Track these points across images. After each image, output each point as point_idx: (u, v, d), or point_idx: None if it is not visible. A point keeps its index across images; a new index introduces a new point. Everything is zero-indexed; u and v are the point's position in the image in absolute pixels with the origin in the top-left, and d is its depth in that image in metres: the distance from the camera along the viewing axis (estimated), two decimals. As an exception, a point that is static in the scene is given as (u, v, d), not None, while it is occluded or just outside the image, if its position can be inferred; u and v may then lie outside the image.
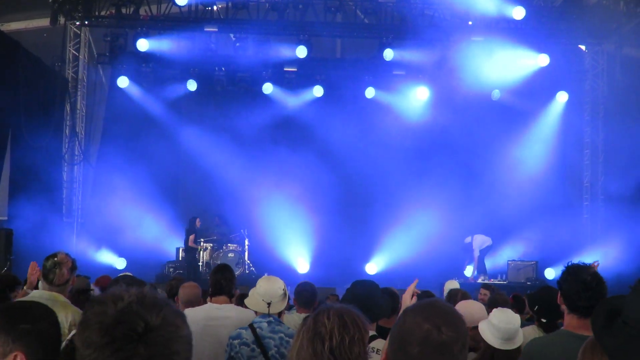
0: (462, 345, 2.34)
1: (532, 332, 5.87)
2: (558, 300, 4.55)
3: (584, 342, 3.45)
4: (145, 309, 1.85)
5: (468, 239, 18.75)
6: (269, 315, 5.50)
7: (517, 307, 8.08)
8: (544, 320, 5.95)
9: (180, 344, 1.89)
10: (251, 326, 5.44)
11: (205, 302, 6.37)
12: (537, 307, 6.11)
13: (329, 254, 19.51)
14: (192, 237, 17.80)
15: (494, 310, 5.10)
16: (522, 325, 6.82)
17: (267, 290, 5.58)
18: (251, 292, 5.66)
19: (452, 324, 2.34)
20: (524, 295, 8.71)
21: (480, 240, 18.67)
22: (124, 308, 1.84)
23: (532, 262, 18.57)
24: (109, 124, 20.51)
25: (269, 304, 5.51)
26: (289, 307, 8.20)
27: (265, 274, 18.37)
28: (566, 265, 4.49)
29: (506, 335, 4.90)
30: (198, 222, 18.14)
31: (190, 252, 17.90)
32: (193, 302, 6.61)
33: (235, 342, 5.36)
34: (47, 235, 17.17)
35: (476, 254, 18.56)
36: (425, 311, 2.38)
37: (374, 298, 5.03)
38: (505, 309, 5.22)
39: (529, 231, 18.67)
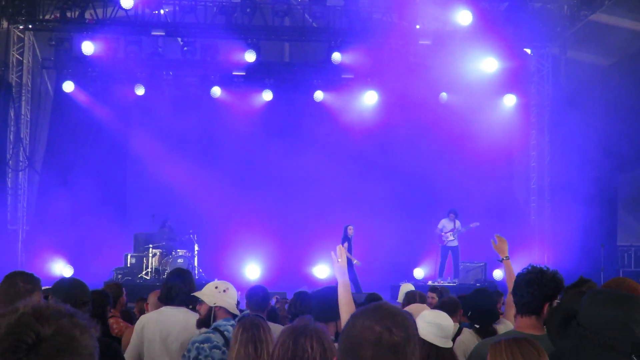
0: (414, 346, 2.35)
1: (470, 337, 5.88)
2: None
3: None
4: (38, 319, 1.82)
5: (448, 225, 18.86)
6: (231, 318, 5.48)
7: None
8: (477, 326, 5.96)
9: (76, 355, 1.85)
10: (218, 329, 5.38)
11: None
12: (470, 312, 6.14)
13: (279, 259, 19.46)
14: (345, 245, 17.55)
15: (426, 311, 5.12)
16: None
17: (235, 292, 5.69)
18: (219, 296, 5.59)
19: (402, 325, 2.34)
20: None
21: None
22: (16, 320, 1.82)
23: (481, 264, 18.73)
24: (55, 130, 20.15)
25: (225, 290, 5.55)
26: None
27: (216, 279, 18.32)
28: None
29: (446, 333, 4.92)
30: (350, 230, 17.82)
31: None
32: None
33: (205, 345, 5.24)
34: (-9, 242, 16.88)
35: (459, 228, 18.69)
36: (374, 314, 2.37)
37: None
38: (436, 310, 5.27)
39: (477, 232, 18.82)
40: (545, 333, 4.18)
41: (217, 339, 5.28)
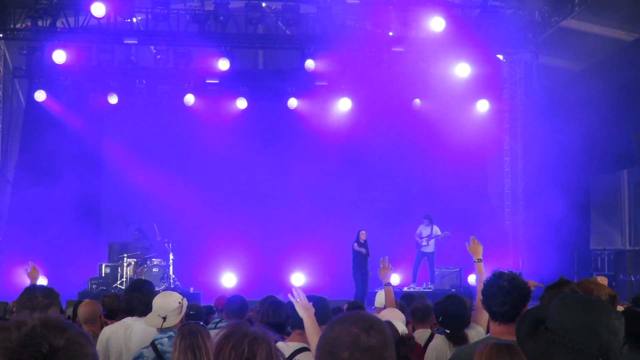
0: (392, 352, 2.41)
1: (442, 343, 5.91)
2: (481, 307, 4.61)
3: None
4: (49, 331, 1.89)
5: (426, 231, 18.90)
6: (170, 329, 5.50)
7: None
8: (447, 331, 5.99)
9: None
10: (153, 343, 5.42)
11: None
12: (441, 318, 6.18)
13: (256, 267, 19.39)
14: (355, 244, 17.56)
15: (385, 310, 5.20)
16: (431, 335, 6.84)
17: (162, 304, 5.64)
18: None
19: (379, 329, 2.40)
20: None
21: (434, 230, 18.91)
22: (28, 332, 1.88)
23: (456, 269, 18.81)
24: (27, 139, 19.98)
25: (164, 318, 5.55)
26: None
27: (191, 289, 18.21)
28: (492, 273, 4.55)
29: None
30: (362, 235, 17.49)
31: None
32: (93, 320, 6.58)
33: None
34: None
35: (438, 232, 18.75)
36: (352, 318, 2.45)
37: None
38: (393, 309, 5.33)
39: (452, 238, 18.90)
40: None
41: (148, 353, 5.34)
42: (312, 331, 5.00)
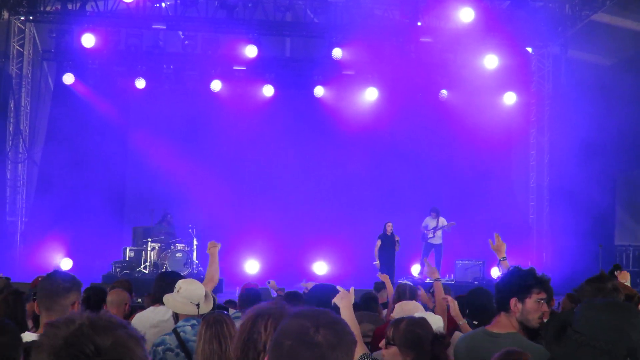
0: (341, 354, 2.28)
1: None
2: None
3: (491, 339, 3.86)
4: (96, 331, 1.87)
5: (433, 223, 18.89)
6: (193, 318, 5.46)
7: None
8: (475, 323, 6.03)
9: None
10: (175, 331, 5.36)
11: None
12: (468, 310, 6.20)
13: (279, 255, 19.42)
14: (378, 242, 17.74)
15: (397, 305, 5.20)
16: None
17: (194, 291, 5.53)
18: (171, 297, 5.55)
19: (335, 330, 2.29)
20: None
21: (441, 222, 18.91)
22: (74, 331, 1.86)
23: (479, 262, 18.76)
24: (54, 122, 20.11)
25: (197, 305, 5.48)
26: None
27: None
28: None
29: None
30: (389, 227, 17.75)
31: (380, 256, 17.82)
32: (117, 307, 6.63)
33: (159, 348, 5.24)
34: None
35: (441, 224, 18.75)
36: (311, 313, 2.34)
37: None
38: (408, 302, 5.33)
39: (476, 230, 18.84)
40: (511, 331, 4.27)
41: (171, 340, 5.27)
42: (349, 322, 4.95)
